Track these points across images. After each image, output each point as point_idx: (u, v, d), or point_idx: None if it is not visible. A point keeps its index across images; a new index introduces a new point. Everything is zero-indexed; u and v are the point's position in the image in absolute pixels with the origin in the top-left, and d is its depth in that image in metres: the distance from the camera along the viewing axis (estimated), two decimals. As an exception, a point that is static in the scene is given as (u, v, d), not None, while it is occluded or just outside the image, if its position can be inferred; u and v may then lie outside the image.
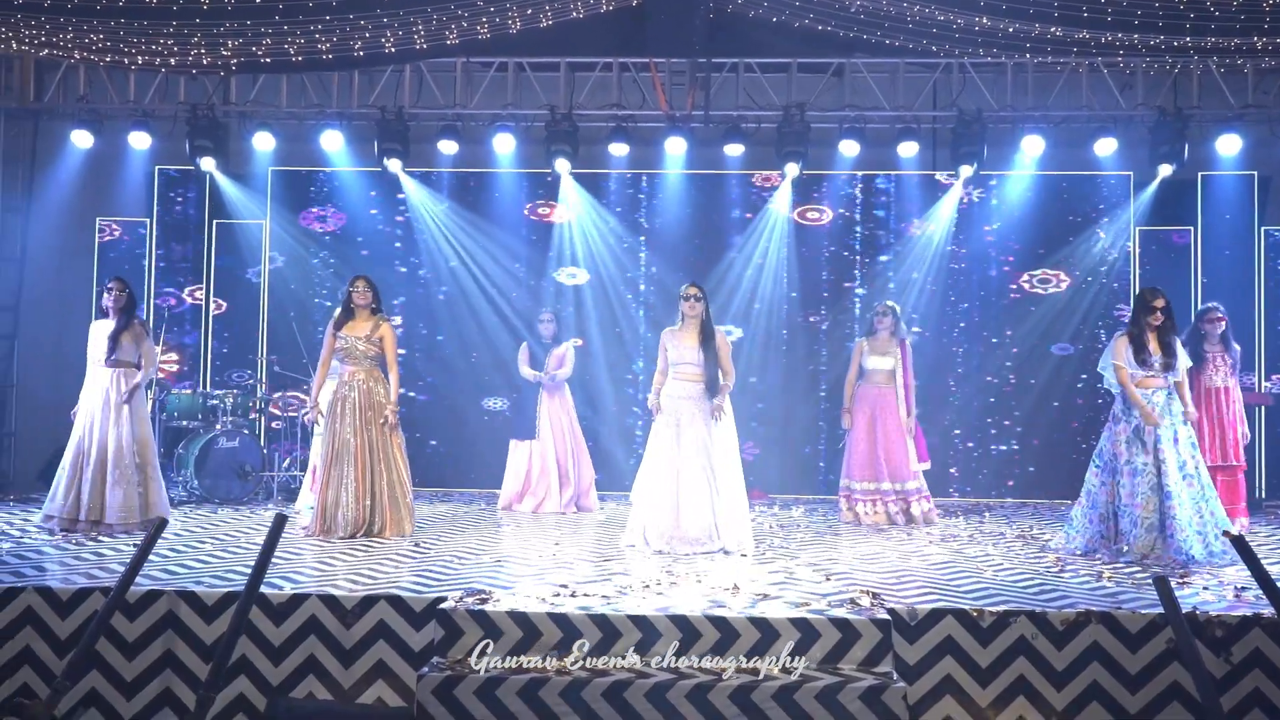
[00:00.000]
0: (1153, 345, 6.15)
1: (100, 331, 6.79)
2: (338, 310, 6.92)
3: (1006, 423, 9.85)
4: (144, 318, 6.95)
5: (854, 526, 7.61)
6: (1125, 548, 6.05)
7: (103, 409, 6.70)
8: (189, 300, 10.07)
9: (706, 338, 6.35)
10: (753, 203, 10.08)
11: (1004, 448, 9.85)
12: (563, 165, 9.66)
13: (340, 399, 6.72)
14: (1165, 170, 9.34)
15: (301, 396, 9.58)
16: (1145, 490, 6.06)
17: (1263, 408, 9.36)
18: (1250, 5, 7.09)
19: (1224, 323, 7.45)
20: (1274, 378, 9.52)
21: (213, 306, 10.12)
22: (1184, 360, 6.29)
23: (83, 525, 6.62)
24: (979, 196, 9.92)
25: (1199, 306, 8.46)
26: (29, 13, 7.51)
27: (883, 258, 9.96)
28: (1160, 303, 6.17)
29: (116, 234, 10.11)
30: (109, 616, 4.18)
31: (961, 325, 9.92)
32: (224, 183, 10.09)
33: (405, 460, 6.90)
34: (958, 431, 9.81)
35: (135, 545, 5.81)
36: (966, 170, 9.49)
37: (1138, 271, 9.81)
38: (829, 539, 6.85)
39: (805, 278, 10.02)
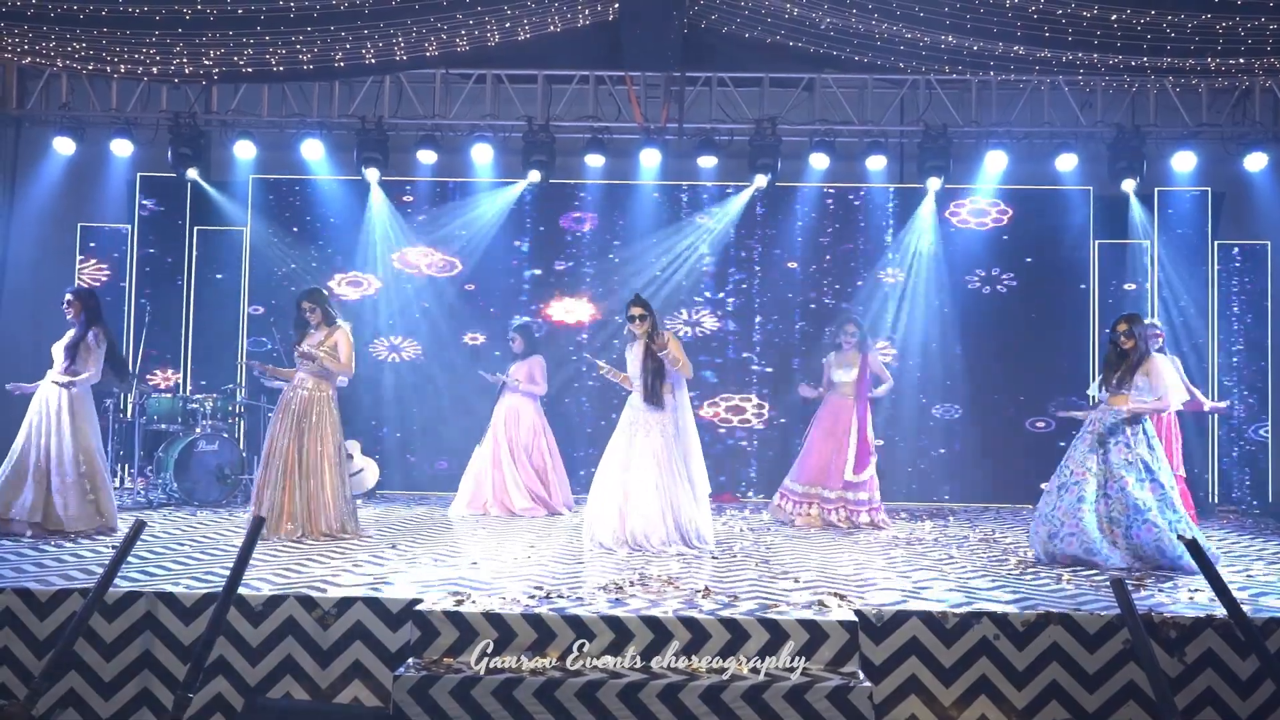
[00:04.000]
0: (1122, 368, 6.10)
1: (62, 340, 6.82)
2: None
3: (976, 429, 10.07)
4: (97, 330, 6.93)
5: (787, 526, 7.78)
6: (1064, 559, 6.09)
7: (46, 416, 6.71)
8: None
9: (648, 354, 6.56)
10: (727, 212, 10.23)
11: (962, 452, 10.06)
12: (534, 175, 9.77)
13: (284, 401, 6.86)
14: (1125, 185, 9.55)
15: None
16: (1071, 500, 6.07)
17: (1214, 415, 9.61)
18: (1203, 28, 7.29)
19: (1160, 339, 7.64)
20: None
21: (193, 311, 10.17)
22: (1158, 387, 5.99)
23: (13, 525, 6.55)
24: (952, 212, 10.12)
25: (1154, 318, 8.71)
26: (12, 21, 7.51)
27: (853, 264, 10.17)
28: (1122, 327, 6.12)
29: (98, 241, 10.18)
30: (88, 617, 4.22)
31: (932, 339, 10.12)
32: (205, 190, 10.11)
33: (338, 464, 6.92)
34: (924, 438, 10.01)
35: (113, 547, 5.84)
36: (935, 183, 9.67)
37: (1096, 284, 10.03)
38: (798, 542, 6.95)
39: (774, 285, 10.19)
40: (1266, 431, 9.78)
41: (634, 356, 6.65)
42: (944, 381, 10.07)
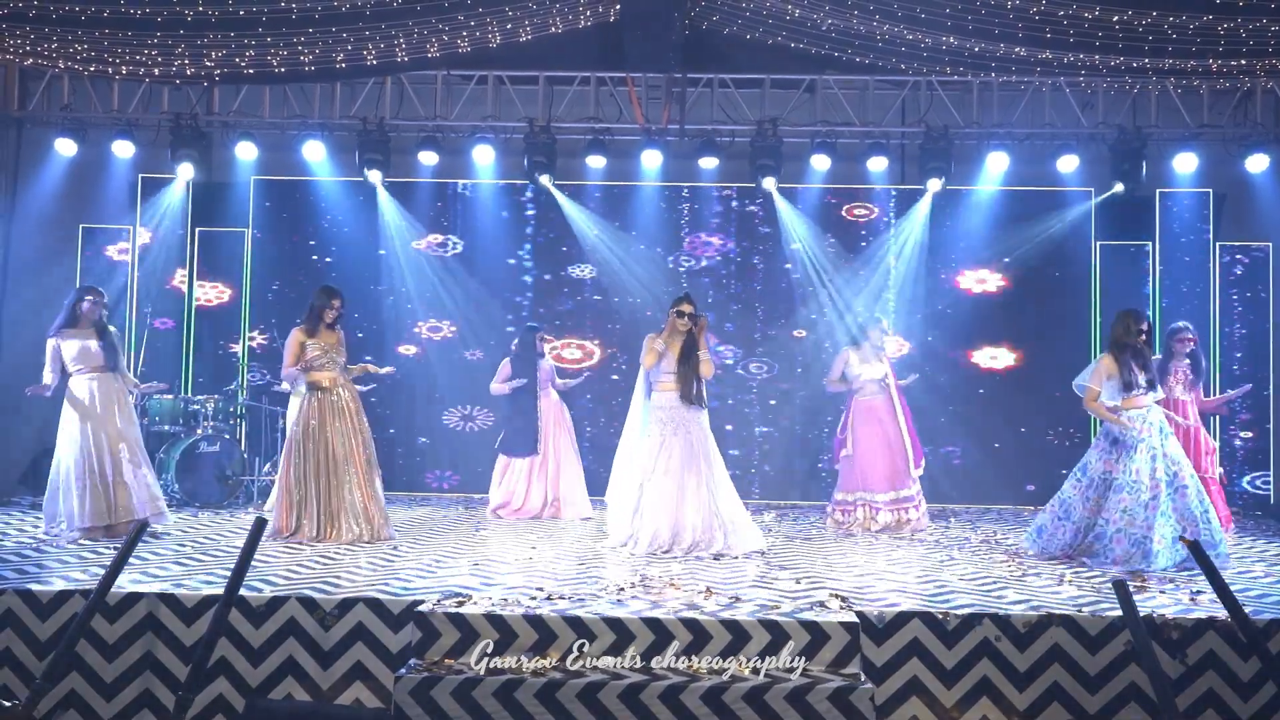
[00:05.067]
0: (1138, 367, 6.16)
1: (81, 341, 6.78)
2: (302, 324, 6.95)
3: (981, 429, 10.05)
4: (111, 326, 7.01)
5: (837, 535, 7.61)
6: (1105, 558, 6.05)
7: (103, 414, 6.72)
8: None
9: (687, 353, 6.52)
10: (729, 214, 10.22)
11: (967, 451, 10.05)
12: (544, 179, 9.76)
13: (328, 405, 6.81)
14: (1121, 186, 9.54)
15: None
16: (1133, 506, 6.02)
17: (1217, 417, 9.59)
18: (1205, 29, 7.30)
19: (1194, 342, 7.68)
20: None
21: (193, 311, 10.17)
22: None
23: (119, 528, 6.61)
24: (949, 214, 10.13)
25: (1158, 320, 8.70)
26: (13, 22, 7.52)
27: (860, 270, 10.15)
28: (1146, 325, 6.22)
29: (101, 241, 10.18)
30: (89, 619, 4.22)
31: (929, 339, 10.11)
32: (207, 192, 10.11)
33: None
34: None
35: (115, 548, 5.84)
36: (935, 184, 9.67)
37: (1098, 286, 10.01)
38: (799, 544, 6.96)
39: (776, 290, 10.19)
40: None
41: (670, 353, 6.54)
42: (945, 384, 10.06)
